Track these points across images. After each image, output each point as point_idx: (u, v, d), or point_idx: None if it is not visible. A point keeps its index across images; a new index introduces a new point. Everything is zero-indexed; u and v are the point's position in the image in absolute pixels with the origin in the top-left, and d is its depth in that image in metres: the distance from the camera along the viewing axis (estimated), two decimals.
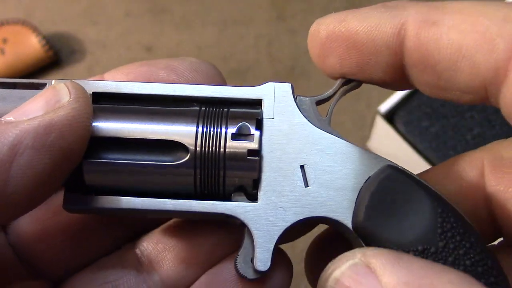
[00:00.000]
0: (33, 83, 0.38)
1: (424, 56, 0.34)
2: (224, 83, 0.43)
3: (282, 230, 0.35)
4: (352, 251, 0.31)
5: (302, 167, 0.36)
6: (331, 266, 0.31)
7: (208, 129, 0.36)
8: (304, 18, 0.96)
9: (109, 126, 0.36)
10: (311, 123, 0.37)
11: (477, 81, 0.34)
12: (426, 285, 0.27)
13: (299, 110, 0.37)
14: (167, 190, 0.36)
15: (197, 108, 0.37)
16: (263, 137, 0.36)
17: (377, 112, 0.78)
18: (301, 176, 0.36)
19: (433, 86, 0.36)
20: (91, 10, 0.98)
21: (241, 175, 0.36)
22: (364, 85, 0.40)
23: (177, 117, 0.36)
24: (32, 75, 0.90)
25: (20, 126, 0.33)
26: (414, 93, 0.79)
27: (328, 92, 0.39)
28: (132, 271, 0.41)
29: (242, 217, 0.36)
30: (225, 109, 0.37)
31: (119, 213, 0.38)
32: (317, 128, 0.37)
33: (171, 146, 0.36)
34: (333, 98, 0.39)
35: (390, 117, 0.78)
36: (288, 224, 0.35)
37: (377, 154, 0.36)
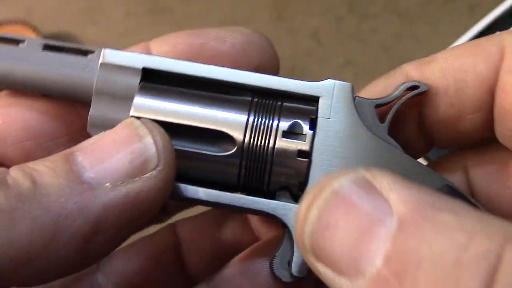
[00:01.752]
0: (80, 49, 0.36)
1: None
2: (275, 57, 0.42)
3: None
4: (353, 168, 0.28)
5: None
6: (326, 178, 0.28)
7: (259, 122, 0.34)
8: (304, 18, 0.96)
9: (157, 108, 0.35)
10: (368, 128, 0.35)
11: None
12: (439, 205, 0.25)
13: (357, 112, 0.35)
14: (207, 178, 0.35)
15: (249, 98, 0.35)
16: (316, 138, 0.34)
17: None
18: None
19: None
20: (91, 10, 0.98)
21: (288, 175, 0.34)
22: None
23: (227, 105, 0.35)
24: None
25: (106, 197, 0.29)
26: None
27: (389, 96, 0.36)
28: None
29: (284, 218, 0.34)
30: (279, 103, 0.35)
31: None
32: (373, 135, 0.34)
33: (219, 136, 0.34)
34: (395, 103, 0.36)
35: None
36: None
37: (434, 171, 0.34)
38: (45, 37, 0.91)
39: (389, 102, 0.36)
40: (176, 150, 0.33)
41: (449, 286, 0.23)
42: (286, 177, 0.34)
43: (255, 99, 0.35)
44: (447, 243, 0.24)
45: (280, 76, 0.36)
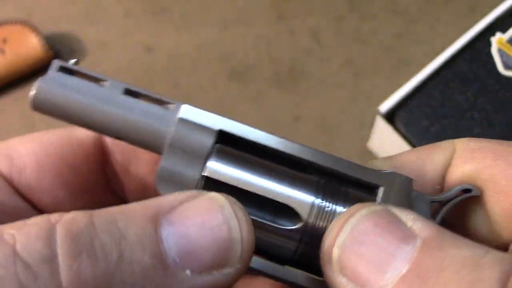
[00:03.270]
0: (160, 100, 0.36)
1: None
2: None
3: None
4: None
5: None
6: (361, 204, 0.31)
7: (325, 204, 0.35)
8: (304, 18, 0.96)
9: (231, 172, 0.35)
10: None
11: None
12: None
13: (413, 206, 0.36)
14: (262, 248, 0.35)
15: (316, 178, 0.36)
16: None
17: (377, 112, 0.78)
18: None
19: None
20: (91, 10, 0.98)
21: None
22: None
23: (297, 182, 0.35)
24: (32, 75, 0.90)
25: (182, 286, 0.28)
26: (414, 93, 0.79)
27: (445, 195, 0.37)
28: None
29: None
30: (344, 188, 0.36)
31: None
32: None
33: (283, 210, 0.35)
34: (448, 204, 0.37)
35: (390, 117, 0.78)
36: None
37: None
38: (45, 37, 0.91)
39: (445, 202, 0.37)
40: None
41: (469, 283, 0.26)
42: None
43: (322, 181, 0.36)
44: (467, 253, 0.27)
45: (344, 159, 0.37)
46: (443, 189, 0.38)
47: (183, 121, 0.36)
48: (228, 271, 0.30)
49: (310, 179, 0.36)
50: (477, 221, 0.37)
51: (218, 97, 0.90)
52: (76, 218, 0.28)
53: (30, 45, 0.90)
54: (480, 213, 0.37)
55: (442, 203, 0.37)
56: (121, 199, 0.44)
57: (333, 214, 0.34)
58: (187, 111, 0.36)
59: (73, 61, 0.37)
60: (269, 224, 0.35)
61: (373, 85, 0.88)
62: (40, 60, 0.90)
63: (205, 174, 0.35)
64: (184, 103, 0.36)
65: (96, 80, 0.36)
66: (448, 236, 0.29)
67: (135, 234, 0.28)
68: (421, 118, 0.78)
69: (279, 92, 0.90)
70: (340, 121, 0.87)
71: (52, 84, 0.35)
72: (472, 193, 0.37)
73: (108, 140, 0.42)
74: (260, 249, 0.35)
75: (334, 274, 0.30)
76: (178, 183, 0.35)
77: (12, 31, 0.91)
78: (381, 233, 0.29)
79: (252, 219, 0.33)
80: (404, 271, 0.27)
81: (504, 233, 0.35)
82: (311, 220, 0.34)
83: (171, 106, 0.36)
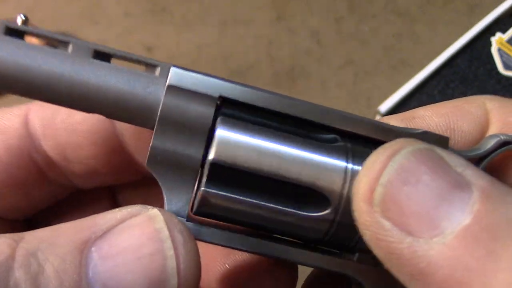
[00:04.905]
0: (140, 61, 0.29)
1: None
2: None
3: None
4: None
5: None
6: (406, 140, 0.27)
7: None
8: (304, 18, 0.96)
9: (243, 152, 0.29)
10: None
11: None
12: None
13: None
14: (289, 234, 0.31)
15: (345, 145, 0.30)
16: None
17: (377, 112, 0.78)
18: None
19: None
20: (91, 10, 0.98)
21: None
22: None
23: (322, 156, 0.29)
24: None
25: None
26: (414, 93, 0.79)
27: (481, 151, 0.33)
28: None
29: (364, 281, 0.31)
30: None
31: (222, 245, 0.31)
32: None
33: (311, 193, 0.29)
34: (487, 158, 0.33)
35: None
36: None
37: None
38: None
39: (481, 156, 0.33)
40: (257, 204, 0.29)
41: None
42: None
43: (353, 147, 0.30)
44: None
45: (371, 119, 0.32)
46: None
47: (173, 88, 0.29)
48: None
49: (336, 150, 0.30)
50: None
51: None
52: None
53: None
54: None
55: (480, 159, 0.33)
56: (63, 186, 0.40)
57: None
58: (178, 76, 0.29)
59: (20, 17, 0.29)
60: (293, 212, 0.29)
61: (373, 85, 0.88)
62: None
63: (211, 157, 0.28)
64: (172, 64, 0.29)
65: (55, 42, 0.29)
66: (505, 188, 0.25)
67: (54, 268, 0.25)
68: None
69: (279, 92, 0.90)
70: None
71: (1, 51, 0.28)
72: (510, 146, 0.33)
73: (37, 127, 0.37)
74: (287, 235, 0.31)
75: (374, 216, 0.26)
76: (175, 165, 0.29)
77: None
78: (431, 174, 0.25)
79: (270, 207, 0.29)
80: (466, 222, 0.24)
81: None
82: (345, 197, 0.29)
83: (155, 70, 0.29)
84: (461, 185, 0.25)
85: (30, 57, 0.28)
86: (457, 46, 0.83)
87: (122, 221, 0.27)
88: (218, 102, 0.29)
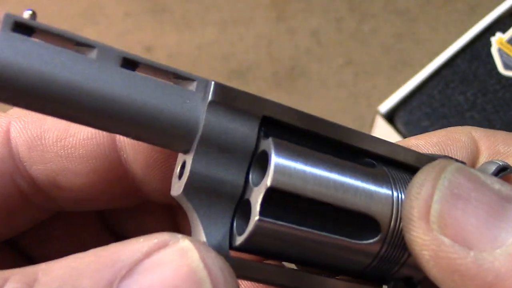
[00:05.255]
0: (175, 74, 0.25)
1: None
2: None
3: None
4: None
5: None
6: (444, 160, 0.27)
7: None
8: (304, 18, 0.96)
9: (296, 176, 0.26)
10: None
11: None
12: None
13: None
14: (330, 264, 0.29)
15: (384, 170, 0.29)
16: None
17: (377, 112, 0.78)
18: None
19: None
20: (91, 10, 0.98)
21: (417, 268, 0.28)
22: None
23: (370, 181, 0.28)
24: None
25: None
26: (414, 93, 0.79)
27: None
28: None
29: None
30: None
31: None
32: None
33: (361, 221, 0.28)
34: None
35: (390, 117, 0.78)
36: None
37: None
38: None
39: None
40: (311, 234, 0.27)
41: None
42: (415, 271, 0.29)
43: (390, 172, 0.29)
44: None
45: (398, 145, 0.31)
46: None
47: (214, 105, 0.25)
48: None
49: (384, 178, 0.29)
50: None
51: None
52: None
53: None
54: None
55: None
56: (49, 209, 0.36)
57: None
58: (219, 91, 0.25)
59: (27, 12, 0.24)
60: (343, 240, 0.27)
61: (373, 85, 0.88)
62: None
63: (269, 183, 0.25)
64: (210, 79, 0.26)
65: (75, 44, 0.24)
66: None
67: None
68: (421, 118, 0.78)
69: (279, 92, 0.90)
70: (340, 121, 0.87)
71: (7, 53, 0.22)
72: (509, 171, 0.33)
73: (22, 148, 0.33)
74: (329, 266, 0.29)
75: (433, 234, 0.25)
76: (213, 193, 0.26)
77: None
78: (479, 189, 0.26)
79: (324, 236, 0.27)
80: None
81: None
82: (392, 226, 0.28)
83: (190, 85, 0.26)
84: (509, 198, 0.26)
85: (46, 61, 0.23)
86: (457, 46, 0.83)
87: (149, 254, 0.24)
88: (260, 122, 0.26)
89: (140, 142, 0.31)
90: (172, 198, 0.26)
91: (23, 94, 0.22)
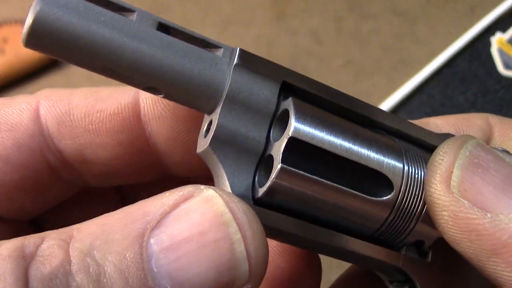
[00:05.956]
0: (204, 41, 0.29)
1: None
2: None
3: None
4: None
5: None
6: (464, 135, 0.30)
7: (414, 172, 0.31)
8: (304, 18, 0.96)
9: (314, 132, 0.28)
10: None
11: None
12: None
13: None
14: (344, 223, 0.30)
15: (399, 144, 0.31)
16: None
17: None
18: None
19: None
20: None
21: (429, 232, 0.31)
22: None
23: (384, 148, 0.30)
24: (32, 75, 0.90)
25: None
26: (414, 93, 0.79)
27: None
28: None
29: (412, 274, 0.31)
30: (420, 152, 0.32)
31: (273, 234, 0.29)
32: None
33: (374, 179, 0.30)
34: None
35: None
36: None
37: None
38: None
39: None
40: (328, 185, 0.29)
41: None
42: (427, 233, 0.31)
43: (405, 146, 0.31)
44: None
45: (411, 122, 0.33)
46: None
47: (239, 68, 0.28)
48: None
49: (395, 143, 0.31)
50: None
51: None
52: (51, 253, 0.24)
53: None
54: None
55: None
56: (75, 185, 0.38)
57: (420, 182, 0.31)
58: (244, 57, 0.28)
59: None
60: (358, 195, 0.29)
61: (373, 85, 0.88)
62: (40, 60, 0.90)
63: (291, 133, 0.27)
64: (236, 46, 0.29)
65: (117, 8, 0.27)
66: None
67: (116, 267, 0.24)
68: (421, 118, 0.78)
69: None
70: None
71: (58, 9, 0.25)
72: None
73: (51, 124, 0.34)
74: (340, 226, 0.30)
75: (453, 196, 0.28)
76: (238, 147, 0.28)
77: (12, 31, 0.91)
78: (496, 160, 0.28)
79: (340, 188, 0.29)
80: None
81: None
82: (403, 189, 0.30)
83: (217, 51, 0.29)
84: None
85: (92, 17, 0.25)
86: (457, 46, 0.83)
87: (176, 206, 0.25)
88: (281, 87, 0.29)
89: (163, 116, 0.34)
90: (193, 170, 0.29)
91: (71, 46, 0.25)
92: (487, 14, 0.85)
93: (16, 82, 0.90)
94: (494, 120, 0.38)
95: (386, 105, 0.77)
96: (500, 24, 0.84)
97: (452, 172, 0.28)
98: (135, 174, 0.37)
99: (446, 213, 0.28)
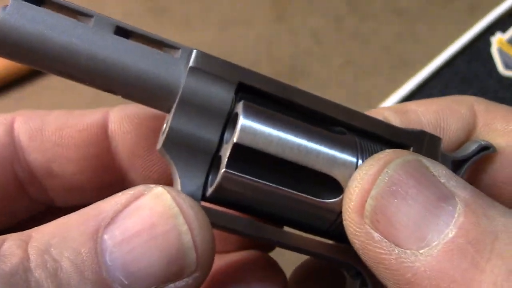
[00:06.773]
0: (162, 43, 0.29)
1: None
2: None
3: None
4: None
5: None
6: (393, 151, 0.28)
7: None
8: (304, 18, 0.96)
9: (264, 136, 0.29)
10: None
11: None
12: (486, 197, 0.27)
13: None
14: (294, 222, 0.31)
15: (353, 139, 0.31)
16: None
17: None
18: None
19: None
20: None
21: None
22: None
23: (339, 149, 0.30)
24: (31, 75, 0.90)
25: None
26: (414, 93, 0.79)
27: (465, 154, 0.34)
28: None
29: (363, 270, 0.31)
30: (379, 149, 0.31)
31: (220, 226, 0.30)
32: None
33: (323, 181, 0.30)
34: (469, 161, 0.35)
35: None
36: None
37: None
38: None
39: (464, 160, 0.34)
40: (274, 188, 0.29)
41: None
42: None
43: (359, 142, 0.31)
44: None
45: (374, 117, 0.33)
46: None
47: (195, 70, 0.29)
48: (186, 281, 0.26)
49: (351, 143, 0.31)
50: (487, 181, 0.35)
51: None
52: (11, 252, 0.25)
53: None
54: (490, 173, 0.35)
55: (463, 161, 0.34)
56: (40, 202, 0.39)
57: None
58: (199, 59, 0.29)
59: None
60: (305, 197, 0.30)
61: (373, 85, 0.88)
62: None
63: (235, 139, 0.28)
64: (194, 48, 0.29)
65: (75, 14, 0.28)
66: (487, 200, 0.27)
67: (72, 262, 0.25)
68: None
69: None
70: None
71: (18, 18, 0.26)
72: (490, 151, 0.34)
73: (23, 137, 0.36)
74: (292, 222, 0.31)
75: (364, 227, 0.27)
76: (191, 148, 0.29)
77: None
78: (418, 186, 0.27)
79: (286, 191, 0.29)
80: (451, 235, 0.25)
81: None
82: None
83: (176, 53, 0.29)
84: (447, 197, 0.26)
85: (49, 25, 0.27)
86: (457, 46, 0.83)
87: (128, 204, 0.27)
88: (237, 88, 0.30)
89: (129, 133, 0.36)
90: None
91: (28, 52, 0.26)
92: (487, 14, 0.85)
93: (16, 82, 0.90)
94: (480, 107, 0.36)
95: (386, 105, 0.77)
96: (500, 24, 0.84)
97: (366, 201, 0.27)
98: (97, 190, 0.38)
99: (357, 242, 0.28)
